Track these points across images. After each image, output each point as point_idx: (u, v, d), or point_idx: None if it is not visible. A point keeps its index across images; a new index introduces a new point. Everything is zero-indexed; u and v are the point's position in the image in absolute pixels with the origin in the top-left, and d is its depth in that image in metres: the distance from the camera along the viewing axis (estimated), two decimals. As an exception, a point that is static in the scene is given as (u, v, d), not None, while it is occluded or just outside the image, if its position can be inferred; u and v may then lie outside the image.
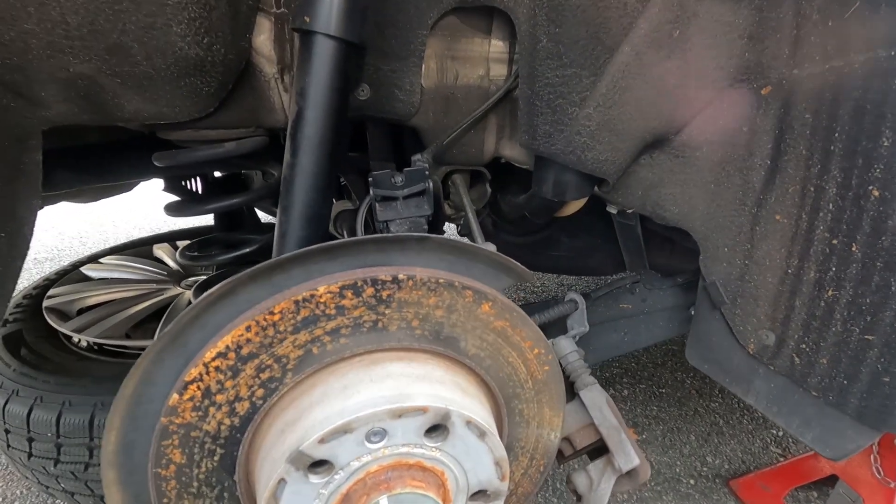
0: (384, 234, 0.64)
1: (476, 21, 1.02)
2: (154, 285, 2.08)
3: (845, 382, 0.92)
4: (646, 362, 2.51)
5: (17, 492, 1.80)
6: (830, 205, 0.89)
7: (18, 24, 0.70)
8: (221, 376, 0.61)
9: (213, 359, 0.60)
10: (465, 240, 0.67)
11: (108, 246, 2.41)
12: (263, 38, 0.94)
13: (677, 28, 0.90)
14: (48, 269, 3.61)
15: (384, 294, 0.64)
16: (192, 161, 0.97)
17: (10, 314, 1.80)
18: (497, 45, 1.04)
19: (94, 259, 2.24)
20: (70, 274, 2.12)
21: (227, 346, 0.60)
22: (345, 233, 1.36)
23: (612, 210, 1.33)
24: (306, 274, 0.64)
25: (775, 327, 1.04)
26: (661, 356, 2.55)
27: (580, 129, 0.93)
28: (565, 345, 0.99)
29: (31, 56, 0.73)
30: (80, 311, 1.87)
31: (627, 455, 0.86)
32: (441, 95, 1.06)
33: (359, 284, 0.63)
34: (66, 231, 4.35)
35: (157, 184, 1.82)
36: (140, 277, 2.17)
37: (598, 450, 0.92)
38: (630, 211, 1.32)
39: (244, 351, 0.61)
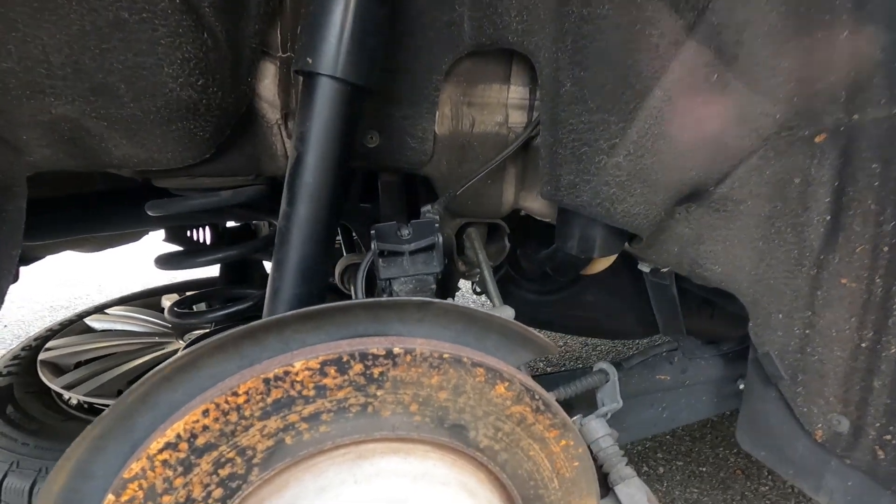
0: (377, 299, 0.53)
1: (494, 66, 0.95)
2: (156, 338, 2.00)
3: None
4: (682, 435, 2.26)
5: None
6: (912, 268, 0.76)
7: None
8: (170, 472, 0.50)
9: (161, 451, 0.49)
10: (475, 306, 0.56)
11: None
12: (267, 82, 0.89)
13: (715, 72, 0.82)
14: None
15: (375, 372, 0.52)
16: (186, 211, 0.90)
17: (4, 366, 1.72)
18: (516, 91, 0.97)
19: (100, 309, 2.18)
20: (74, 325, 2.05)
21: (179, 436, 0.49)
22: (352, 289, 1.26)
23: (645, 268, 1.21)
24: (283, 345, 0.53)
25: (849, 412, 0.88)
26: (699, 428, 2.31)
27: (609, 180, 0.84)
28: (597, 427, 0.84)
29: (10, 97, 0.68)
30: (78, 365, 1.78)
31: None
32: (456, 143, 0.99)
33: (345, 360, 0.51)
34: (82, 281, 4.37)
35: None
36: (143, 330, 2.09)
37: (640, 563, 0.75)
38: (664, 270, 1.20)
39: (200, 441, 0.50)
